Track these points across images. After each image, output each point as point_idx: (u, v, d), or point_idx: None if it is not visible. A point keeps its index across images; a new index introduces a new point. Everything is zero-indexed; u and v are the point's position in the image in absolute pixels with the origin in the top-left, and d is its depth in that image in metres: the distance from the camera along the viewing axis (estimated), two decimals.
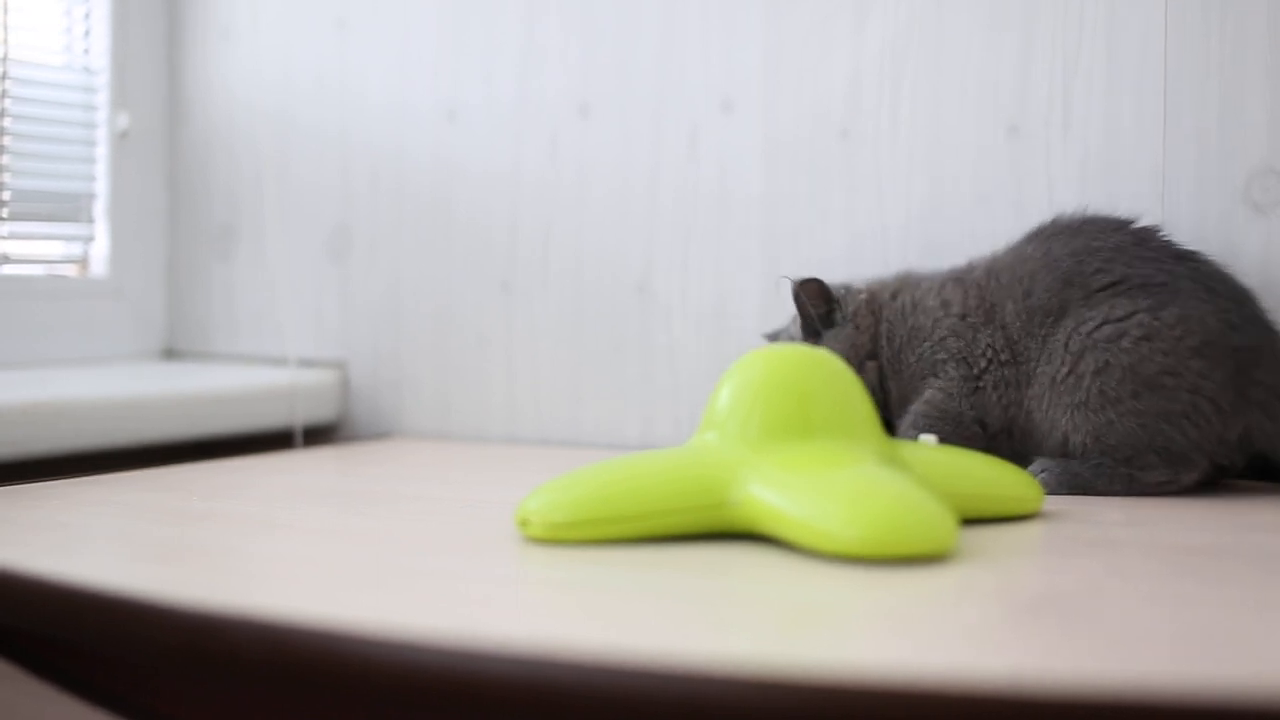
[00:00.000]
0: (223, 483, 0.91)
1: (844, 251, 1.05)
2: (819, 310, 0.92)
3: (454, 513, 0.80)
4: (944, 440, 0.82)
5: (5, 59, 1.20)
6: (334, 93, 1.28)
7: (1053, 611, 0.53)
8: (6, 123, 1.20)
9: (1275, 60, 0.91)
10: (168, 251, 1.38)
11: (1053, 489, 0.81)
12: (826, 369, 0.72)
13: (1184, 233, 0.87)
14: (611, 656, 0.45)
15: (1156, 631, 0.50)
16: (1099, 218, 0.87)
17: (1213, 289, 0.81)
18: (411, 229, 1.25)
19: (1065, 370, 0.82)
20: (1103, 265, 0.83)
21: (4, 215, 1.21)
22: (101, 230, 1.31)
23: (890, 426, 0.91)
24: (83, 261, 1.32)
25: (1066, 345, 0.83)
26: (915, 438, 0.83)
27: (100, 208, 1.31)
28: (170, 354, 1.38)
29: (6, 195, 1.21)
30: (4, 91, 1.20)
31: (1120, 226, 0.86)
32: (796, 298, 0.92)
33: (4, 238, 1.22)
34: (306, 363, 1.27)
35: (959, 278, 0.91)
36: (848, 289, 0.94)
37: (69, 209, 1.29)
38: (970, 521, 0.68)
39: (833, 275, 0.95)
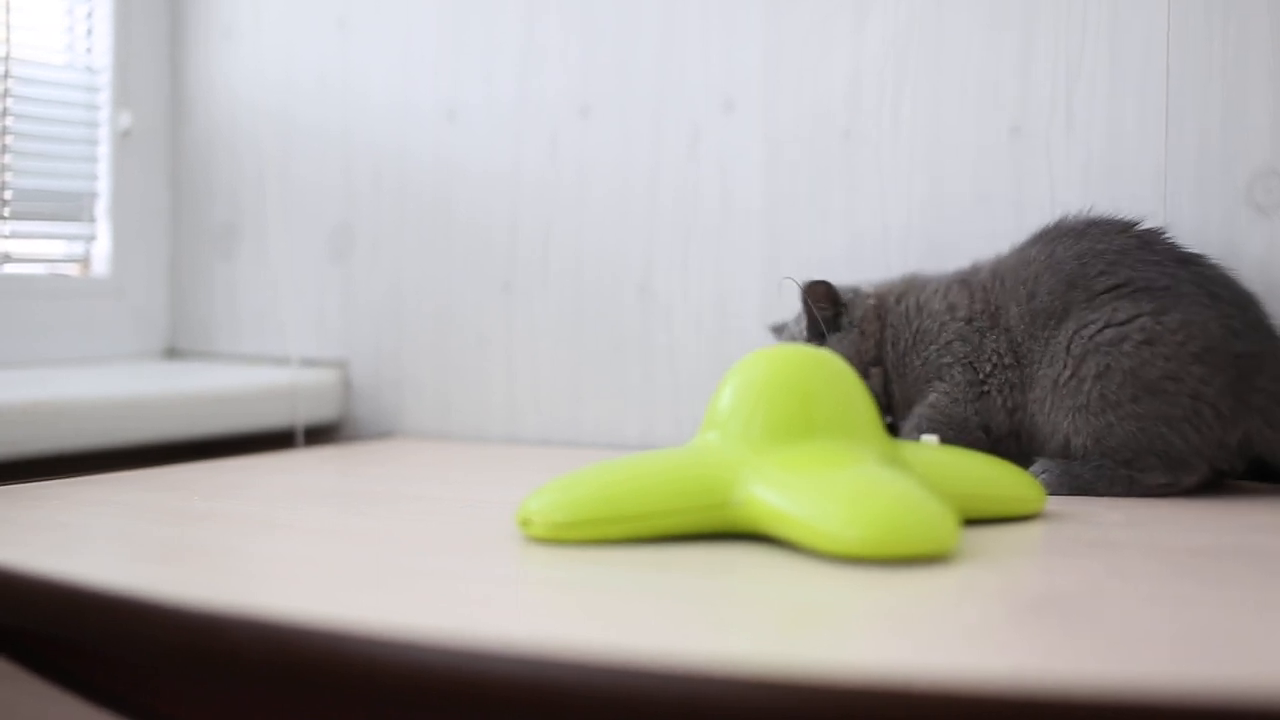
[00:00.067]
0: (224, 482, 0.92)
1: (844, 251, 1.05)
2: (826, 314, 0.92)
3: (454, 513, 0.80)
4: (947, 444, 0.82)
5: (7, 58, 1.20)
6: (336, 92, 1.28)
7: (1053, 612, 0.53)
8: (9, 122, 1.20)
9: (1277, 62, 0.91)
10: (170, 251, 1.38)
11: (1053, 490, 0.81)
12: (829, 369, 0.72)
13: (1186, 234, 0.87)
14: (612, 656, 0.45)
15: (1157, 632, 0.50)
16: (1103, 220, 0.87)
17: (1216, 294, 0.81)
18: (413, 229, 1.25)
19: (1067, 373, 0.82)
20: (1106, 268, 0.83)
21: (6, 214, 1.21)
22: (103, 230, 1.31)
23: (894, 430, 0.91)
24: (84, 261, 1.32)
25: (1068, 348, 0.83)
26: (917, 440, 0.83)
27: (102, 207, 1.31)
28: (172, 353, 1.38)
29: (8, 194, 1.21)
30: (6, 91, 1.20)
31: (1124, 229, 0.85)
32: (805, 299, 0.92)
33: (6, 237, 1.22)
34: (308, 362, 1.27)
35: (964, 280, 0.91)
36: (856, 292, 0.94)
37: (71, 208, 1.29)
38: (971, 522, 0.68)
39: (833, 275, 0.95)
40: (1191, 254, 0.84)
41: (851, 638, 0.51)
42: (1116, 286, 0.82)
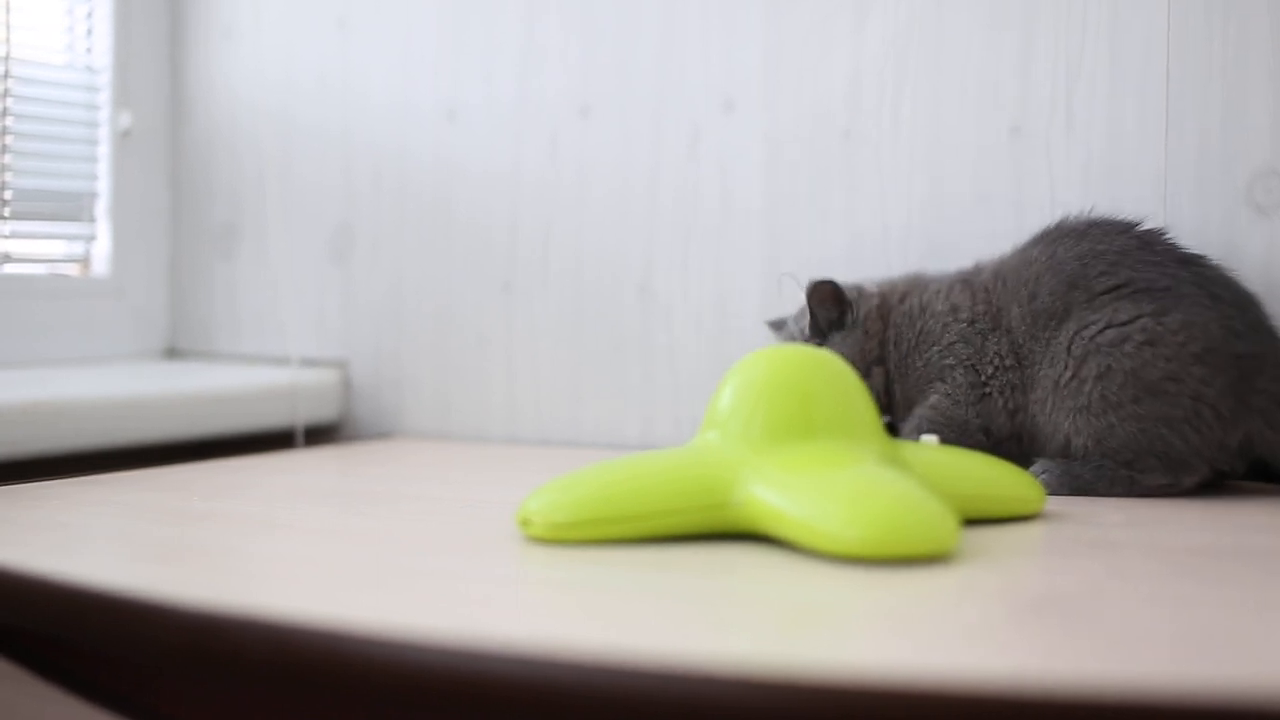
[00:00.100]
0: (224, 482, 0.92)
1: (844, 251, 1.05)
2: (830, 315, 0.92)
3: (454, 513, 0.80)
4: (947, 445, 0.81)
5: (7, 58, 1.20)
6: (336, 92, 1.28)
7: (1054, 612, 0.53)
8: (9, 122, 1.20)
9: (1277, 62, 0.91)
10: (170, 251, 1.38)
11: (1053, 490, 0.81)
12: (828, 369, 0.72)
13: (1186, 234, 0.87)
14: (612, 656, 0.45)
15: (1157, 632, 0.50)
16: (1104, 220, 0.87)
17: (1217, 295, 0.81)
18: (413, 229, 1.25)
19: (1068, 374, 0.82)
20: (1107, 268, 0.83)
21: (6, 214, 1.21)
22: (103, 230, 1.31)
23: (893, 430, 0.91)
24: (84, 261, 1.32)
25: (1069, 349, 0.83)
26: (917, 440, 0.83)
27: (102, 207, 1.31)
28: (172, 353, 1.38)
29: (8, 194, 1.21)
30: (6, 91, 1.20)
31: (1125, 229, 0.85)
32: (809, 300, 0.92)
33: (6, 237, 1.22)
34: (308, 362, 1.27)
35: (966, 280, 0.90)
36: (860, 291, 0.94)
37: (71, 208, 1.29)
38: (971, 522, 0.68)
39: (833, 275, 0.94)
40: (1192, 255, 0.84)
41: (851, 638, 0.51)
42: (1117, 287, 0.82)
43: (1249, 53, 0.92)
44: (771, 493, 0.64)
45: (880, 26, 1.05)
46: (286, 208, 1.30)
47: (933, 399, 0.88)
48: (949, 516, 0.61)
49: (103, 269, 1.31)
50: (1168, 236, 0.85)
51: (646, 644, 0.46)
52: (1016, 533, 0.70)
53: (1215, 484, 0.83)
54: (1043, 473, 0.82)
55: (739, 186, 1.10)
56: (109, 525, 0.76)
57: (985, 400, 0.87)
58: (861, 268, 1.01)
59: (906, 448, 0.74)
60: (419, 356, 1.24)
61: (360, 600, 0.56)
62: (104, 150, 1.31)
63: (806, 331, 0.93)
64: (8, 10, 1.20)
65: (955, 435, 0.86)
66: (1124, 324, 0.81)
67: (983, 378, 0.87)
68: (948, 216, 1.02)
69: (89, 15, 1.30)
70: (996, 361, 0.87)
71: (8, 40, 1.20)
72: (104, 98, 1.31)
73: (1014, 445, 0.87)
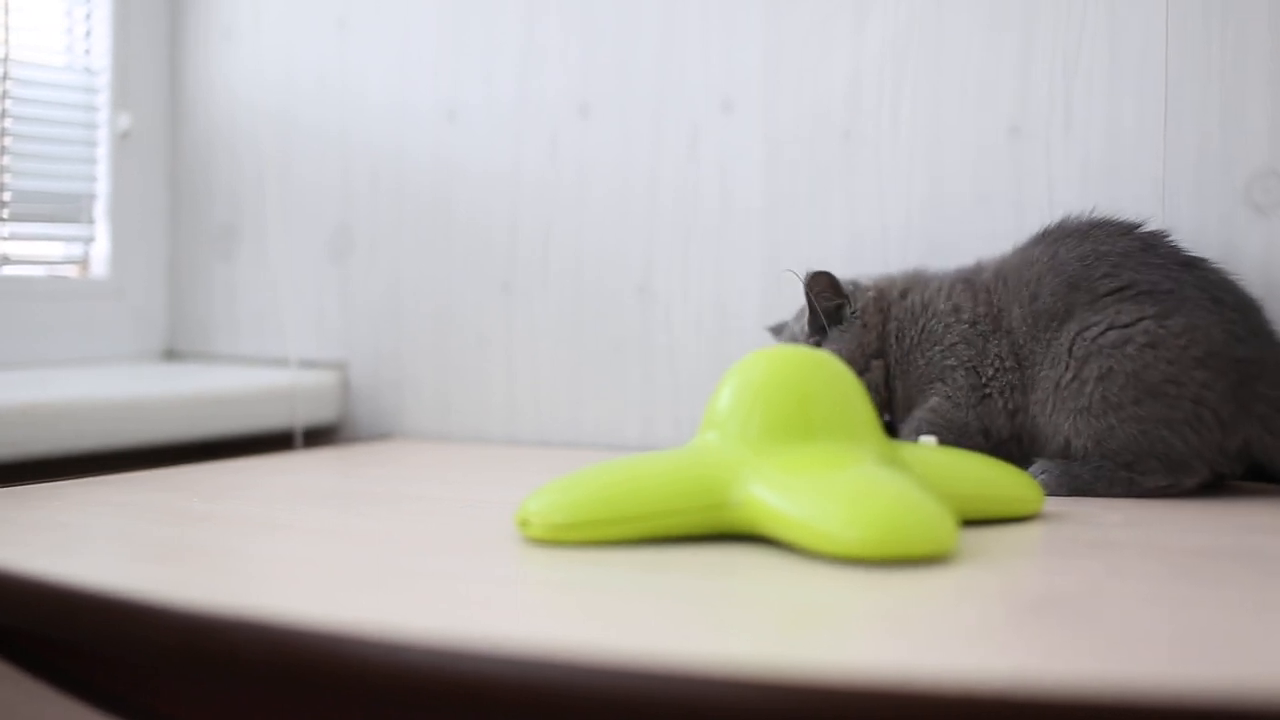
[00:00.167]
0: (223, 483, 0.92)
1: (844, 251, 1.05)
2: (828, 304, 0.92)
3: (454, 513, 0.80)
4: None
5: (6, 59, 1.20)
6: (335, 93, 1.28)
7: (1053, 612, 0.53)
8: (7, 123, 1.20)
9: (1276, 64, 0.91)
10: (169, 252, 1.38)
11: (1052, 490, 0.81)
12: (827, 370, 0.72)
13: (1185, 234, 0.87)
14: (611, 657, 0.45)
15: (1156, 632, 0.50)
16: (1106, 221, 0.87)
17: (1219, 299, 0.81)
18: (412, 229, 1.25)
19: (1069, 375, 0.82)
20: (1109, 270, 0.83)
21: (5, 216, 1.21)
22: (102, 231, 1.31)
23: (892, 428, 0.91)
24: (83, 262, 1.32)
25: (1070, 349, 0.83)
26: (916, 441, 0.83)
27: (101, 208, 1.31)
28: (171, 355, 1.38)
29: (7, 196, 1.21)
30: (5, 92, 1.20)
31: (1127, 231, 0.85)
32: (807, 291, 0.92)
33: (5, 238, 1.22)
34: (307, 363, 1.27)
35: (968, 279, 0.90)
36: (856, 285, 0.94)
37: (70, 209, 1.29)
38: (970, 522, 0.68)
39: (835, 274, 0.94)
40: (1195, 258, 0.84)
41: (851, 638, 0.51)
42: (1120, 289, 0.82)
43: (1247, 54, 0.92)
44: (770, 493, 0.64)
45: (880, 27, 1.05)
46: (286, 208, 1.30)
47: (932, 401, 0.88)
48: (948, 517, 0.61)
49: (102, 270, 1.31)
50: (1170, 239, 0.85)
51: (646, 645, 0.46)
52: (1015, 533, 0.70)
53: (1214, 485, 0.83)
54: (1041, 473, 0.82)
55: (739, 186, 1.10)
56: (108, 526, 0.76)
57: (985, 402, 0.87)
58: (861, 268, 1.01)
59: (905, 448, 0.74)
60: (418, 357, 1.24)
61: (359, 601, 0.56)
62: (103, 151, 1.31)
63: (807, 329, 0.93)
64: (6, 11, 1.19)
65: (954, 438, 0.86)
66: (1126, 326, 0.81)
67: (983, 379, 0.87)
68: (947, 216, 1.02)
69: (88, 16, 1.30)
70: (997, 364, 0.87)
71: (6, 41, 1.20)
72: (103, 99, 1.31)
73: (1013, 446, 0.86)
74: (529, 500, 0.67)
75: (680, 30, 1.12)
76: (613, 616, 0.53)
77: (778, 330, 0.99)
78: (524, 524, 0.67)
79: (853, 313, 0.92)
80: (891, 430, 0.91)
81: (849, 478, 0.65)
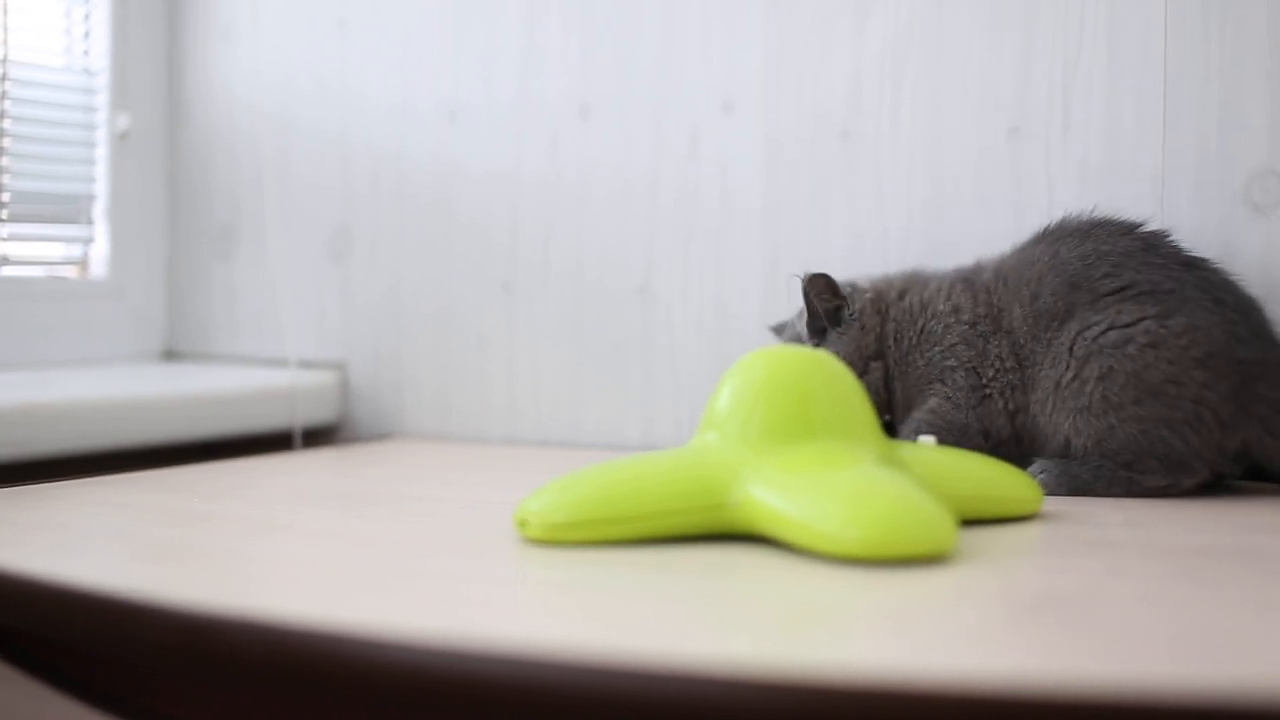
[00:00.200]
0: (223, 484, 0.91)
1: (845, 252, 1.05)
2: (827, 306, 0.92)
3: (454, 514, 0.80)
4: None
5: (5, 60, 1.20)
6: (335, 93, 1.28)
7: (1052, 612, 0.53)
8: (6, 124, 1.20)
9: (1275, 63, 0.91)
10: (168, 252, 1.38)
11: (1052, 490, 0.81)
12: (826, 370, 0.72)
13: (1184, 234, 0.87)
14: (611, 658, 0.45)
15: (1156, 632, 0.50)
16: (1107, 221, 0.87)
17: (1220, 299, 0.81)
18: (412, 230, 1.25)
19: (1070, 375, 0.82)
20: (1110, 270, 0.83)
21: (4, 216, 1.21)
22: (101, 231, 1.31)
23: (892, 428, 0.91)
24: (83, 263, 1.32)
25: (1071, 349, 0.83)
26: (915, 441, 0.83)
27: (100, 209, 1.31)
28: (170, 355, 1.38)
29: (6, 196, 1.21)
30: (4, 93, 1.20)
31: (1128, 230, 0.85)
32: (805, 293, 0.92)
33: (4, 239, 1.22)
34: (307, 364, 1.27)
35: (968, 279, 0.90)
36: (854, 287, 0.94)
37: (69, 210, 1.29)
38: (970, 522, 0.68)
39: (835, 275, 0.94)
40: (1196, 258, 0.84)
41: (851, 638, 0.51)
42: (1121, 289, 0.82)
43: (1246, 53, 0.92)
44: (770, 493, 0.64)
45: (880, 27, 1.05)
46: (285, 209, 1.30)
47: (932, 402, 0.88)
48: (947, 517, 0.61)
49: (101, 271, 1.31)
50: (1171, 239, 0.85)
51: (646, 645, 0.46)
52: (1015, 533, 0.70)
53: (1214, 485, 0.83)
54: (1041, 473, 0.82)
55: (739, 187, 1.10)
56: (108, 526, 0.76)
57: (986, 403, 0.87)
58: (861, 268, 1.01)
59: (905, 448, 0.74)
60: (418, 357, 1.24)
61: (360, 602, 0.56)
62: (102, 152, 1.31)
63: (807, 329, 0.93)
64: (5, 12, 1.19)
65: (954, 438, 0.86)
66: (1127, 326, 0.81)
67: (983, 380, 0.87)
68: (947, 217, 1.02)
69: (87, 17, 1.30)
70: (997, 364, 0.87)
71: (5, 42, 1.20)
72: (102, 99, 1.31)
73: (1013, 447, 0.86)
74: (528, 500, 0.67)
75: (681, 31, 1.12)
76: (612, 616, 0.53)
77: (779, 329, 0.99)
78: (523, 524, 0.67)
79: (850, 315, 0.92)
80: (891, 431, 0.91)
81: (848, 478, 0.65)
